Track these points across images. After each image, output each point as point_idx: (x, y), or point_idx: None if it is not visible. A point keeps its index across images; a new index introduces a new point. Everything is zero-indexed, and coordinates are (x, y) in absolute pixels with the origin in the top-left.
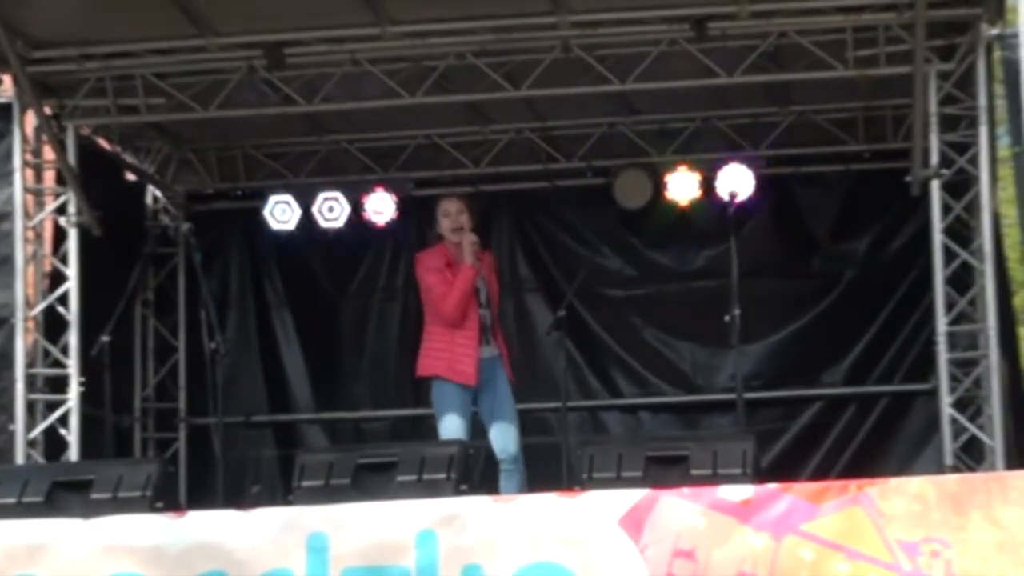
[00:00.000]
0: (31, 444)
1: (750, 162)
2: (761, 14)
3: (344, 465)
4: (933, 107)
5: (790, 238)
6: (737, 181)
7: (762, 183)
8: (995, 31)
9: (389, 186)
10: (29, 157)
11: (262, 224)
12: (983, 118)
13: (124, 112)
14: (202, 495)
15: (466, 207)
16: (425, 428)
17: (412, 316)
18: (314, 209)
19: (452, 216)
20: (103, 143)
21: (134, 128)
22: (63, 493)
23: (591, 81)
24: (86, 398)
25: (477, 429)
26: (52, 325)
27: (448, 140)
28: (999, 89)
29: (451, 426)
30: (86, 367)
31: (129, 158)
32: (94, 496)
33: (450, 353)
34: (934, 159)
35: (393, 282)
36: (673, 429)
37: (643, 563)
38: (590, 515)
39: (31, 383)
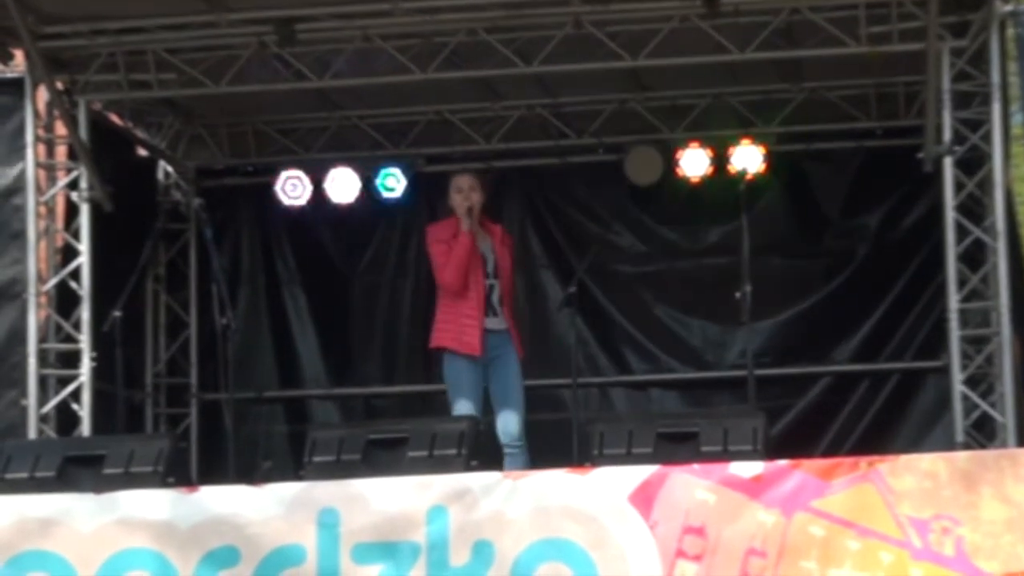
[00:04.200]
0: (43, 419)
1: (761, 139)
2: None
3: (355, 441)
4: (946, 84)
5: (801, 215)
6: (749, 158)
7: (773, 160)
8: (1009, 7)
9: (400, 162)
10: (41, 132)
11: (273, 200)
12: (996, 95)
13: (136, 87)
14: (213, 470)
15: (479, 183)
16: (436, 404)
17: (423, 292)
18: (325, 185)
19: (464, 192)
20: (115, 118)
21: (145, 103)
22: (75, 468)
23: (602, 57)
24: (98, 373)
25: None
26: (64, 300)
27: (459, 116)
28: (1012, 66)
29: (461, 400)
30: (98, 342)
31: (140, 133)
32: (106, 471)
33: (457, 324)
34: (947, 136)
35: (404, 258)
36: (683, 406)
37: (653, 539)
38: (600, 491)
39: (43, 358)
